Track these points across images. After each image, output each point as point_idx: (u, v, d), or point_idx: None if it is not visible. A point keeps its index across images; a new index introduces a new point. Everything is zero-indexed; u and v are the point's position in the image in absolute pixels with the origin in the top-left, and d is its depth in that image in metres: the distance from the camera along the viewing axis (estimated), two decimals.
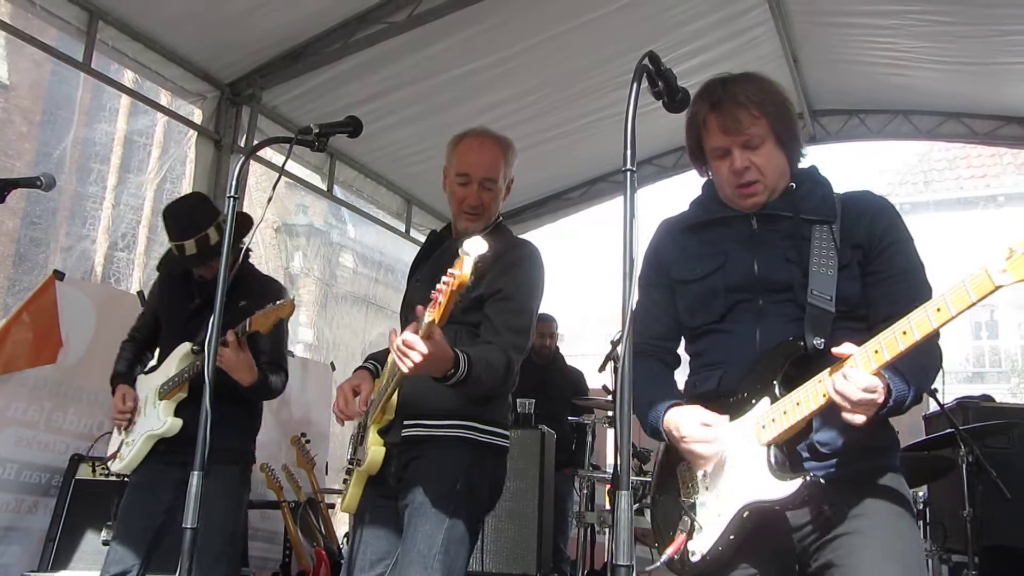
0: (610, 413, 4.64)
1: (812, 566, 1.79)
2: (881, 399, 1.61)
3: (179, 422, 3.01)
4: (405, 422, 2.35)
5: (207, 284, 3.11)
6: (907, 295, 1.74)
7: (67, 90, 12.45)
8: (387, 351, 2.29)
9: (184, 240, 3.01)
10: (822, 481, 1.67)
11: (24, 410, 3.94)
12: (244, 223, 3.14)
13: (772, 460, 1.72)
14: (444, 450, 2.32)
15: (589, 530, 4.67)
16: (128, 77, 5.99)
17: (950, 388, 4.74)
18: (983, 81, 5.88)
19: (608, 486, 4.87)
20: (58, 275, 4.05)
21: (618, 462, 1.47)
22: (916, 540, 1.85)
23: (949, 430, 3.92)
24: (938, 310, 1.49)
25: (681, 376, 2.09)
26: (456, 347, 2.12)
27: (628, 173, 1.57)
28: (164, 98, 5.92)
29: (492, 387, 2.30)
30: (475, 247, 1.79)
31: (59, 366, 4.01)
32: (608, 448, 5.61)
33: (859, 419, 1.62)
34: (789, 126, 1.95)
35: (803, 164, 2.03)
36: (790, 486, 1.67)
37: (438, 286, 1.87)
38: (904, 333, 1.54)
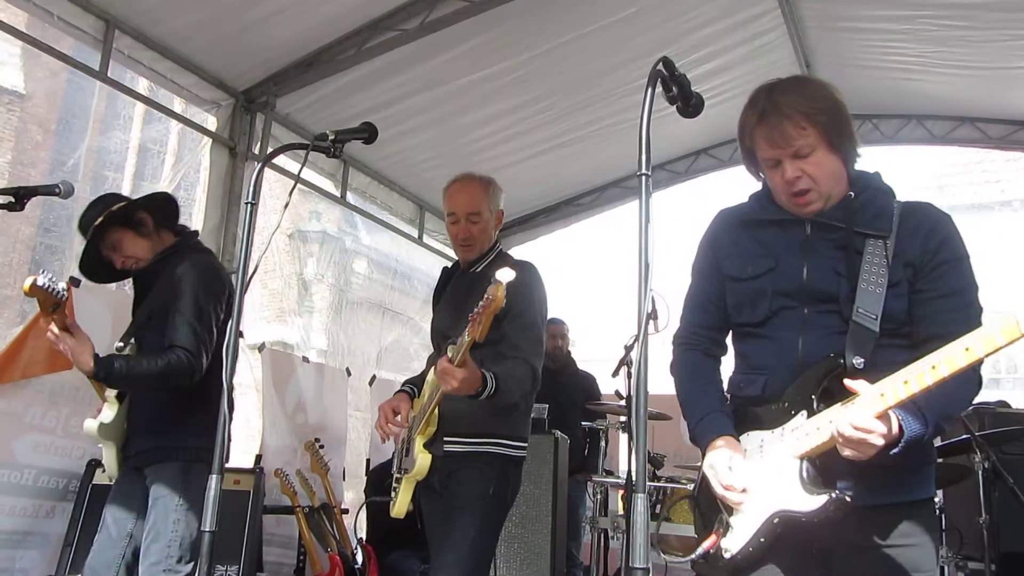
0: (623, 418, 4.63)
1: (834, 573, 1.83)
2: (880, 442, 1.61)
3: (94, 424, 2.98)
4: (446, 439, 2.73)
5: (135, 275, 3.11)
6: (953, 317, 1.75)
7: (82, 99, 12.58)
8: (422, 376, 2.86)
9: (83, 231, 3.02)
10: (848, 499, 1.70)
11: (42, 416, 3.97)
12: (159, 204, 3.11)
13: (804, 474, 1.76)
14: (480, 463, 2.72)
15: (602, 535, 4.67)
16: (143, 85, 6.05)
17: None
18: (997, 85, 5.86)
19: (622, 492, 4.86)
20: (74, 282, 4.08)
21: (633, 466, 1.47)
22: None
23: (965, 436, 3.90)
24: (933, 367, 1.51)
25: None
26: (484, 368, 2.52)
27: (643, 177, 1.57)
28: (178, 106, 5.97)
29: (522, 395, 2.71)
30: (506, 275, 2.15)
31: (76, 372, 3.99)
32: (621, 453, 5.60)
33: (849, 453, 1.64)
34: (842, 131, 1.90)
35: (865, 167, 2.01)
36: (817, 501, 1.72)
37: (476, 309, 2.23)
38: (906, 383, 1.56)
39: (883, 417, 1.62)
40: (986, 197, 20.39)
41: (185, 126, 5.71)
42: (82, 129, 12.25)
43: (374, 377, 6.58)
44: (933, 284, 1.83)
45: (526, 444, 2.84)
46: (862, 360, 1.76)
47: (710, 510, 1.96)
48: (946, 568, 4.07)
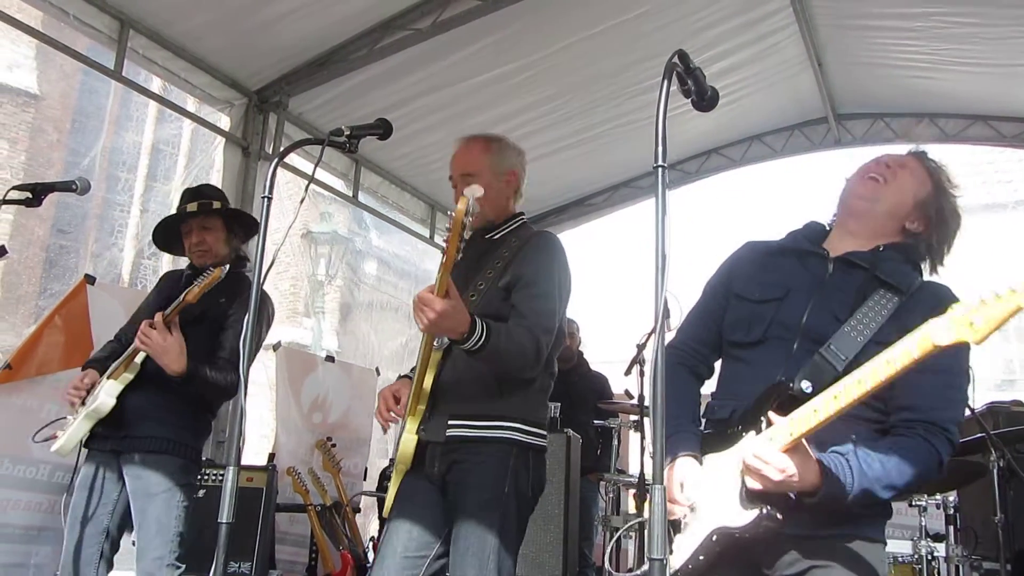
0: (634, 417, 4.63)
1: None
2: (777, 476, 1.63)
3: (110, 402, 2.94)
4: (450, 422, 2.38)
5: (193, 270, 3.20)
6: (935, 394, 1.74)
7: (96, 100, 12.66)
8: None
9: (190, 202, 3.21)
10: (779, 516, 1.69)
11: (57, 412, 3.96)
12: (252, 226, 3.30)
13: (742, 490, 1.75)
14: (491, 453, 2.36)
15: (614, 534, 4.67)
16: (156, 85, 6.09)
17: (981, 395, 4.68)
18: (1010, 83, 5.82)
19: (633, 491, 4.86)
20: (89, 279, 4.12)
21: (651, 454, 1.47)
22: None
23: (980, 435, 3.87)
24: (859, 381, 1.55)
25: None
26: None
27: (659, 169, 1.57)
28: (192, 106, 6.01)
29: (520, 364, 2.35)
30: (472, 191, 2.04)
31: None
32: (633, 453, 5.59)
33: (756, 485, 1.68)
34: (943, 214, 1.98)
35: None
36: (749, 515, 1.72)
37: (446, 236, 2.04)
38: (815, 411, 1.61)
39: (797, 452, 1.64)
40: (999, 197, 20.22)
41: (197, 127, 5.75)
42: (96, 129, 12.33)
43: (400, 377, 6.55)
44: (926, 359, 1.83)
45: (545, 432, 2.50)
46: (810, 385, 1.74)
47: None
48: (960, 567, 4.04)
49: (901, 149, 2.09)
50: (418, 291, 2.20)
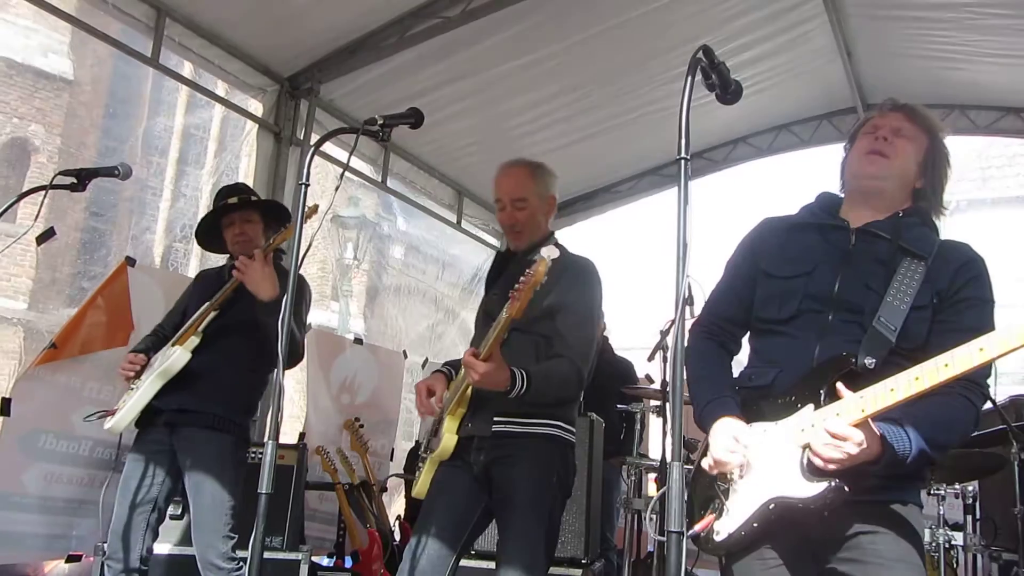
0: (657, 403, 4.69)
1: (826, 566, 1.87)
2: (854, 450, 1.67)
3: (185, 356, 3.13)
4: (496, 418, 2.58)
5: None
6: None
7: (129, 85, 12.82)
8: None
9: (230, 196, 3.39)
10: (847, 489, 1.73)
11: (98, 390, 4.13)
12: (286, 218, 3.46)
13: (805, 462, 1.79)
14: (538, 448, 2.58)
15: (636, 517, 4.74)
16: (187, 70, 6.19)
17: (1004, 389, 4.69)
18: None
19: (655, 476, 4.92)
20: (130, 261, 4.25)
21: (670, 436, 1.54)
22: None
23: (1001, 427, 3.90)
24: (945, 366, 1.58)
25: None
26: (519, 366, 2.44)
27: (683, 161, 1.63)
28: (222, 92, 6.11)
29: (561, 396, 2.60)
30: (550, 252, 2.20)
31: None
32: (655, 438, 5.65)
33: (819, 462, 1.72)
34: (937, 161, 2.05)
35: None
36: (815, 488, 1.75)
37: (516, 285, 2.22)
38: (891, 391, 1.64)
39: (862, 426, 1.68)
40: None
41: (227, 113, 5.85)
42: (130, 115, 12.51)
43: (427, 361, 6.67)
44: (952, 317, 1.88)
45: (574, 430, 2.74)
46: (874, 361, 1.80)
47: (705, 492, 1.99)
48: (979, 557, 4.08)
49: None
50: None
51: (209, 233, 3.54)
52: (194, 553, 3.22)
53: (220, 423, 3.15)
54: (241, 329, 3.20)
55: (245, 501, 3.05)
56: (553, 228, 2.92)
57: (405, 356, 6.37)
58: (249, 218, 3.42)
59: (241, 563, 3.04)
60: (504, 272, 2.84)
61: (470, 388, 2.57)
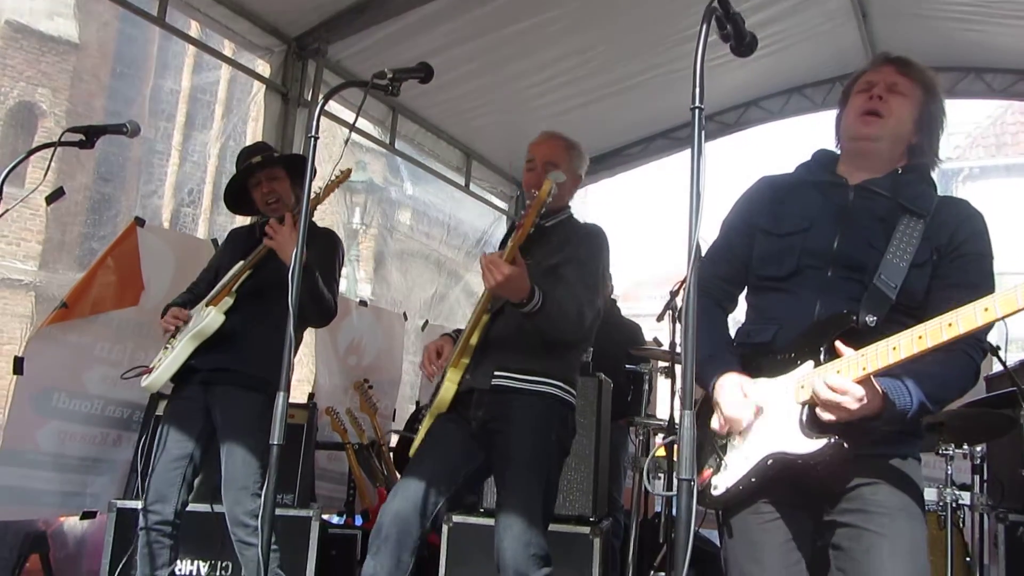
0: (665, 364, 4.70)
1: (825, 518, 1.89)
2: (854, 406, 1.68)
3: (219, 318, 3.18)
4: (497, 372, 2.61)
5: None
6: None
7: (135, 48, 12.75)
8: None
9: (252, 156, 3.39)
10: (846, 445, 1.74)
11: (109, 349, 4.16)
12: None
13: (804, 419, 1.80)
14: (538, 403, 2.61)
15: (643, 476, 4.76)
16: (193, 31, 6.13)
17: (1013, 356, 4.69)
18: None
19: (661, 441, 4.94)
20: (139, 221, 4.25)
21: (681, 387, 1.54)
22: (924, 539, 1.90)
23: (1011, 389, 3.89)
24: (949, 325, 1.57)
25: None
26: (520, 323, 2.48)
27: (696, 111, 1.61)
28: (229, 53, 6.06)
29: (564, 330, 2.59)
30: (557, 176, 2.31)
31: (141, 308, 4.22)
32: (663, 399, 5.67)
33: (828, 416, 1.72)
34: (932, 113, 2.02)
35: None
36: (815, 444, 1.76)
37: (522, 211, 2.25)
38: (894, 349, 1.63)
39: (863, 383, 1.68)
40: None
41: (234, 75, 5.81)
42: (136, 79, 12.45)
43: (426, 323, 6.71)
44: (951, 273, 1.89)
45: (575, 391, 2.77)
46: (875, 319, 1.81)
47: (703, 448, 2.00)
48: (986, 517, 4.10)
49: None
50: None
51: (236, 196, 3.55)
52: (207, 508, 3.28)
53: (254, 382, 3.18)
54: (274, 289, 3.20)
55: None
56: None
57: (405, 318, 6.41)
58: (275, 175, 3.42)
59: None
60: None
61: (474, 337, 2.61)
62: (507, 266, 2.34)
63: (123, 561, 3.58)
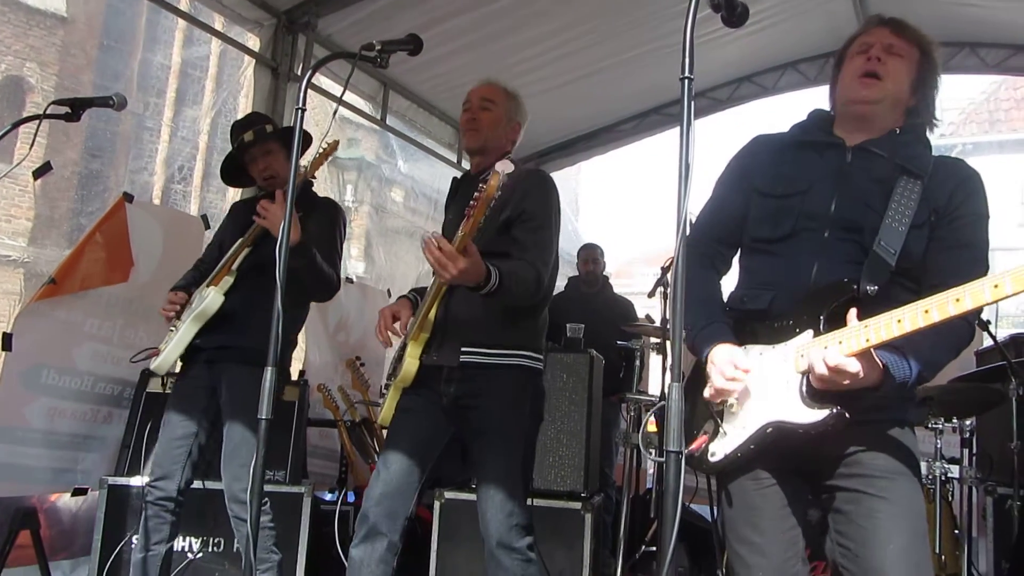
0: (656, 340, 4.70)
1: (824, 483, 1.90)
2: (847, 381, 1.68)
3: (219, 299, 3.18)
4: (464, 348, 2.59)
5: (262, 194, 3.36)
6: (959, 269, 1.77)
7: (123, 22, 12.60)
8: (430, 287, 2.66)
9: (244, 132, 3.33)
10: (847, 416, 1.74)
11: (99, 326, 4.14)
12: (305, 140, 3.33)
13: (804, 388, 1.79)
14: (508, 377, 2.61)
15: (634, 453, 4.79)
16: (183, 3, 6.06)
17: (1003, 331, 4.70)
18: None
19: (653, 419, 4.96)
20: (128, 197, 4.21)
21: (670, 360, 1.54)
22: (922, 503, 1.92)
23: (1001, 363, 3.91)
24: (957, 300, 1.54)
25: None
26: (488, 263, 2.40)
27: (686, 81, 1.59)
28: (219, 26, 5.99)
29: (523, 297, 2.56)
30: (504, 167, 2.14)
31: (130, 285, 4.20)
32: (655, 376, 5.69)
33: (822, 385, 1.73)
34: (929, 75, 2.01)
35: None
36: (817, 414, 1.76)
37: (471, 202, 2.19)
38: (899, 322, 1.62)
39: (862, 356, 1.68)
40: None
41: (224, 50, 5.75)
42: (123, 52, 12.31)
43: (388, 291, 6.66)
44: (949, 234, 1.88)
45: (542, 357, 2.76)
46: (875, 288, 1.79)
47: (697, 414, 2.00)
48: (974, 490, 4.13)
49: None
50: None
51: (232, 170, 3.54)
52: (199, 485, 3.28)
53: (258, 358, 3.16)
54: (275, 265, 3.20)
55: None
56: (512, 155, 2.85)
57: (389, 295, 6.39)
58: (269, 149, 3.38)
59: (267, 498, 3.11)
60: (459, 194, 2.85)
61: (433, 312, 2.59)
62: (461, 259, 2.27)
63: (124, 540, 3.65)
